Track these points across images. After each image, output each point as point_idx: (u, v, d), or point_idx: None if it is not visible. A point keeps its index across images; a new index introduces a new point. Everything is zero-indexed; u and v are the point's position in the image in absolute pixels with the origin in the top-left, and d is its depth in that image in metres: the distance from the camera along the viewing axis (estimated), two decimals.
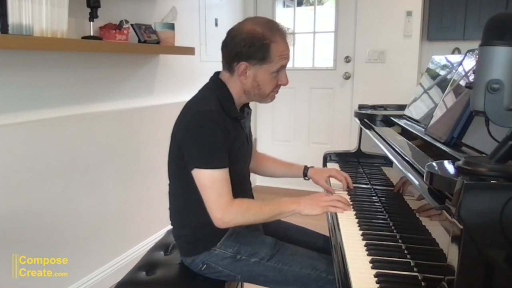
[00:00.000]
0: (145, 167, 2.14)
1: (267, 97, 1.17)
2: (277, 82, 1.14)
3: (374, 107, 1.79)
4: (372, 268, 0.85)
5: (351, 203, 1.18)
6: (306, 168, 1.38)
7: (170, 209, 1.21)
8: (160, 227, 2.19)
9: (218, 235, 1.14)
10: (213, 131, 1.04)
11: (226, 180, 1.05)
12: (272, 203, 1.11)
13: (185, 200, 1.16)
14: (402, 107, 1.61)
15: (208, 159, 1.04)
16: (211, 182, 1.04)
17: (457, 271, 0.63)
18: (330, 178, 1.38)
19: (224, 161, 1.06)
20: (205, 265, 1.15)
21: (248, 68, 1.09)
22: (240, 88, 1.14)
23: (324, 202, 1.12)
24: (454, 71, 1.25)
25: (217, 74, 1.18)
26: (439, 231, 0.74)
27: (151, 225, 2.20)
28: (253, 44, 1.06)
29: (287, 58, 1.12)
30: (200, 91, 1.17)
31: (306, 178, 1.38)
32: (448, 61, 1.43)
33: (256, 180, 3.36)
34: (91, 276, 1.85)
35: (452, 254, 0.65)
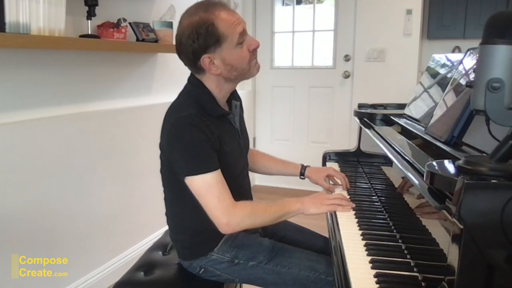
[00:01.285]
0: (143, 166, 2.13)
1: (249, 71, 1.09)
2: (248, 50, 1.06)
3: (373, 106, 1.78)
4: (372, 268, 0.84)
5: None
6: (303, 167, 1.36)
7: (166, 214, 1.20)
8: (158, 227, 2.18)
9: (215, 240, 1.12)
10: (194, 135, 0.99)
11: (221, 183, 1.00)
12: (276, 204, 1.07)
13: (180, 207, 1.14)
14: (402, 106, 1.60)
15: (195, 165, 0.99)
16: (206, 187, 0.99)
17: (457, 271, 0.62)
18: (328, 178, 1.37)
19: (213, 163, 1.00)
20: (202, 269, 1.14)
21: (212, 58, 1.03)
22: (217, 80, 1.08)
23: (329, 200, 1.11)
24: (454, 70, 1.24)
25: (193, 74, 1.12)
26: (439, 231, 0.73)
27: (149, 225, 2.19)
28: (199, 34, 1.00)
29: (239, 23, 1.03)
30: (179, 95, 1.12)
31: (302, 177, 1.37)
32: (448, 59, 1.43)
33: (255, 179, 3.36)
34: (89, 277, 1.84)
35: (453, 254, 0.64)
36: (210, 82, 1.08)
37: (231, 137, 1.12)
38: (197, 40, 1.01)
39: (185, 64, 1.08)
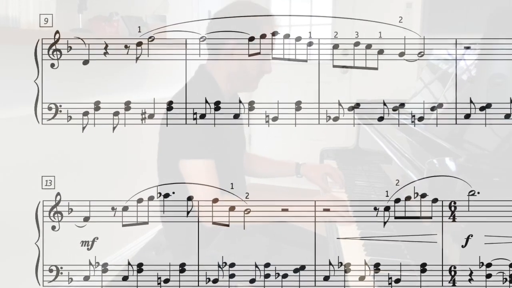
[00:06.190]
0: (137, 164, 2.11)
1: (251, 82, 1.15)
2: (261, 69, 1.13)
3: (372, 102, 1.75)
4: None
5: (349, 201, 1.14)
6: (298, 165, 1.31)
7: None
8: (151, 226, 2.15)
9: (211, 237, 1.11)
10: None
11: (211, 173, 1.01)
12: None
13: None
14: (401, 102, 1.57)
15: (191, 149, 1.00)
16: (194, 174, 1.00)
17: (458, 272, 0.61)
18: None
19: (208, 151, 1.01)
20: (196, 267, 1.12)
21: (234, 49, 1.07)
22: (226, 73, 1.11)
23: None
24: (455, 64, 1.21)
25: (201, 66, 1.15)
26: (440, 231, 0.71)
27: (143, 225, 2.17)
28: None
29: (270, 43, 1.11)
30: (185, 85, 1.13)
31: (299, 176, 1.33)
32: (449, 54, 1.39)
33: (250, 177, 3.32)
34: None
35: (453, 254, 0.63)
36: (219, 73, 1.12)
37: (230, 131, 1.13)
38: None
39: (208, 41, 1.11)
